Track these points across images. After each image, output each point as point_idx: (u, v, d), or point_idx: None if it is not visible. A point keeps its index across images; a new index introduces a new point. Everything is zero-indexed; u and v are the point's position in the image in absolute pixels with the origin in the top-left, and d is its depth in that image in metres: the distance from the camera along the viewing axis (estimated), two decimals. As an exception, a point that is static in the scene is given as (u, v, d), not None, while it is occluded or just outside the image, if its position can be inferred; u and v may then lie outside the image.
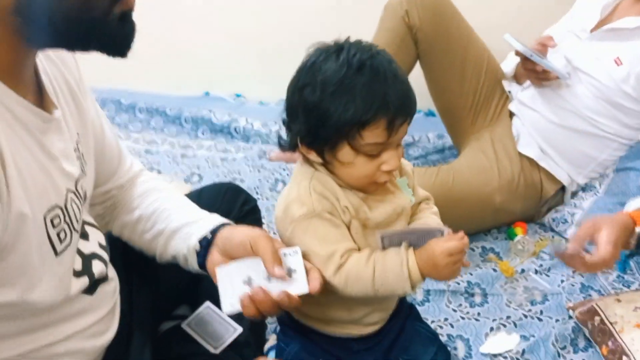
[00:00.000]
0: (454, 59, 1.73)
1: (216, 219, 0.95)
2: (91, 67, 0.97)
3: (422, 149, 2.07)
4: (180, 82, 2.45)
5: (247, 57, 2.43)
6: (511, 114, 1.73)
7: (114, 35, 0.71)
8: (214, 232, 0.92)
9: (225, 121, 2.20)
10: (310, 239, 0.89)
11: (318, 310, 0.99)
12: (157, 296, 1.00)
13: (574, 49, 1.59)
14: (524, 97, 1.68)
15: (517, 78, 1.76)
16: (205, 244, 0.91)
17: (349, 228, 0.92)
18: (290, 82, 0.89)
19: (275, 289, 0.83)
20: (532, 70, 1.58)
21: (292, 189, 0.93)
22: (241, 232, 0.90)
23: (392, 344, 1.05)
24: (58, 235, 0.72)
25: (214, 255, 0.90)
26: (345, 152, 0.87)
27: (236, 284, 0.84)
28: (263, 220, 1.49)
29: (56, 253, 0.72)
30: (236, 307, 0.83)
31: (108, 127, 0.98)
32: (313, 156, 0.90)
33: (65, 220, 0.74)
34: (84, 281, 0.79)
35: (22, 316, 0.70)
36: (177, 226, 0.94)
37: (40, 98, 0.76)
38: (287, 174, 1.89)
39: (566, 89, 1.58)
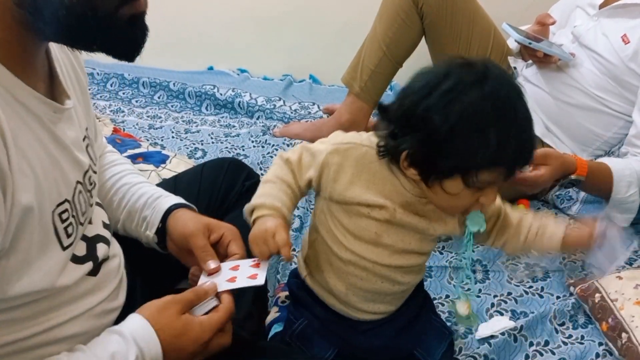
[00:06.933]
0: (460, 33, 1.70)
1: (163, 204, 0.98)
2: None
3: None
4: (184, 56, 2.44)
5: (251, 32, 2.41)
6: (516, 91, 1.71)
7: (120, 39, 0.68)
8: (164, 220, 0.96)
9: (229, 96, 2.19)
10: (311, 143, 0.94)
11: (321, 277, 0.98)
12: (157, 271, 1.01)
13: (581, 26, 1.56)
14: (528, 74, 1.67)
15: (522, 55, 1.74)
16: (161, 233, 0.97)
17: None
18: (414, 92, 0.81)
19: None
20: (534, 55, 1.57)
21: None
22: (180, 228, 0.94)
23: (401, 332, 1.03)
24: (66, 229, 0.72)
25: (169, 243, 0.97)
26: (454, 185, 0.82)
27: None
28: (266, 196, 1.50)
29: (63, 248, 0.72)
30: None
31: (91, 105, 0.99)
32: (412, 173, 0.84)
33: (72, 214, 0.73)
34: (88, 266, 0.78)
35: (26, 304, 0.69)
36: (137, 206, 0.99)
37: (51, 86, 0.74)
38: (291, 150, 1.88)
39: (572, 66, 1.56)
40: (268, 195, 0.91)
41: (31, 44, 0.67)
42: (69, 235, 0.72)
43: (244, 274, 0.88)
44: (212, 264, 0.89)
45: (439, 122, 0.78)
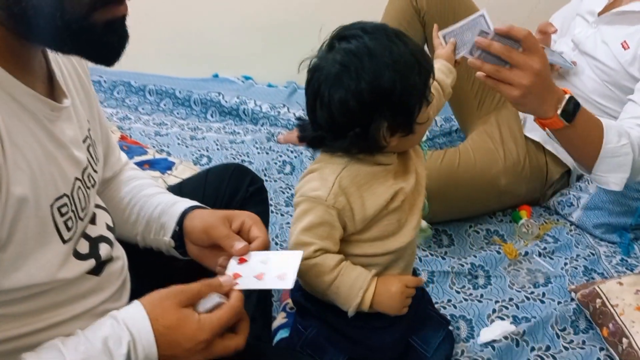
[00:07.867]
0: (462, 42, 1.72)
1: (178, 208, 0.97)
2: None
3: (429, 132, 2.07)
4: (189, 64, 2.46)
5: (255, 39, 2.43)
6: (518, 98, 1.73)
7: (94, 43, 0.68)
8: (180, 223, 0.95)
9: (234, 103, 2.22)
10: (301, 220, 0.92)
11: None
12: (166, 278, 1.02)
13: (581, 33, 1.58)
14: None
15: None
16: (178, 237, 0.96)
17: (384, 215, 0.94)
18: (358, 96, 0.86)
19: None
20: None
21: (322, 163, 0.94)
22: (199, 225, 0.93)
23: (408, 325, 1.05)
24: (65, 223, 0.73)
25: (189, 246, 0.96)
26: (424, 113, 0.91)
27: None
28: (270, 202, 1.52)
29: (63, 241, 0.73)
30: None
31: (104, 117, 0.99)
32: (394, 141, 0.90)
33: (71, 209, 0.75)
34: (90, 263, 0.79)
35: (27, 298, 0.70)
36: (155, 215, 0.98)
37: (50, 86, 0.76)
38: (295, 156, 1.90)
39: (573, 74, 1.57)
40: (352, 284, 0.93)
41: (17, 44, 0.68)
42: (69, 229, 0.74)
43: (273, 271, 0.84)
44: (239, 244, 0.87)
45: (390, 83, 0.85)
